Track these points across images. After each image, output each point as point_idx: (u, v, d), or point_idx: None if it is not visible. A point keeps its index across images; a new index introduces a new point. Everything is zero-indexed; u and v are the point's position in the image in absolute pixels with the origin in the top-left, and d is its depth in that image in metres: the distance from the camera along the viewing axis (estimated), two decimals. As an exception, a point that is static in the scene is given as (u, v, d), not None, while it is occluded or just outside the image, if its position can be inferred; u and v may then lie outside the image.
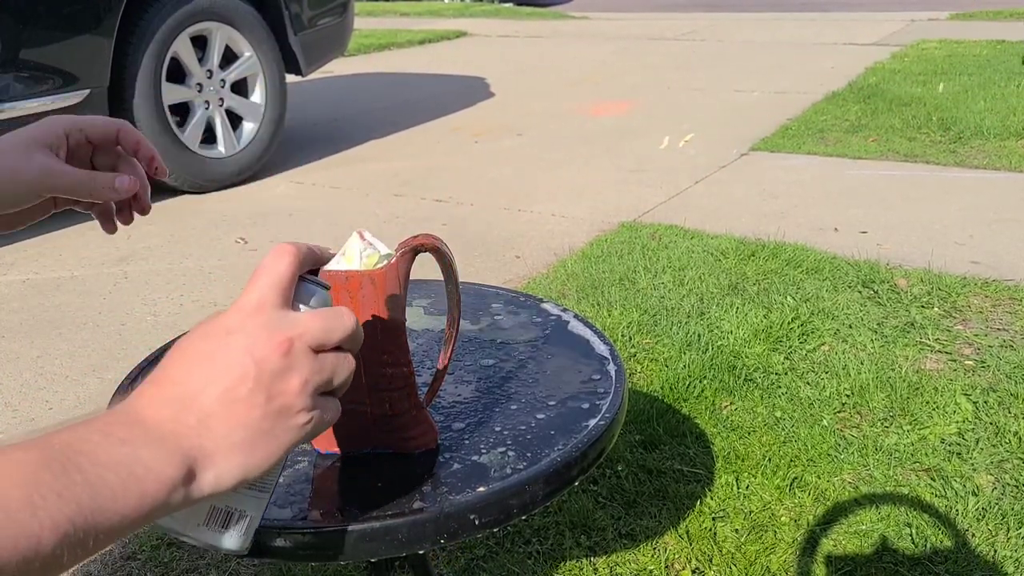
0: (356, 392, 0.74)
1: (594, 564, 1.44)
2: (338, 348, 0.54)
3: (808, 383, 1.95)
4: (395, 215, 3.26)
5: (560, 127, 4.68)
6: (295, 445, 0.52)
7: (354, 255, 0.71)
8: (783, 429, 1.78)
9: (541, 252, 2.83)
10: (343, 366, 0.54)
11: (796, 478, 1.63)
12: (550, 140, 4.39)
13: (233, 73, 3.59)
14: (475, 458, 0.76)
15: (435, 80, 6.47)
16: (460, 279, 0.77)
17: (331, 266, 0.71)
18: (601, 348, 0.95)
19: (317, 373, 0.52)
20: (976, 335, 2.15)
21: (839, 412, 1.84)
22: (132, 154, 0.77)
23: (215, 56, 3.52)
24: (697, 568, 1.43)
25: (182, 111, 3.47)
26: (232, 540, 0.56)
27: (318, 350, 0.53)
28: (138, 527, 0.45)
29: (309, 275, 0.57)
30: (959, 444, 1.71)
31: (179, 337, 0.54)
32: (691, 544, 1.48)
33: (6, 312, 2.49)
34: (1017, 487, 1.58)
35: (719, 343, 2.13)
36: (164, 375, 0.50)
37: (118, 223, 0.80)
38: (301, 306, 0.55)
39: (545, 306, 1.07)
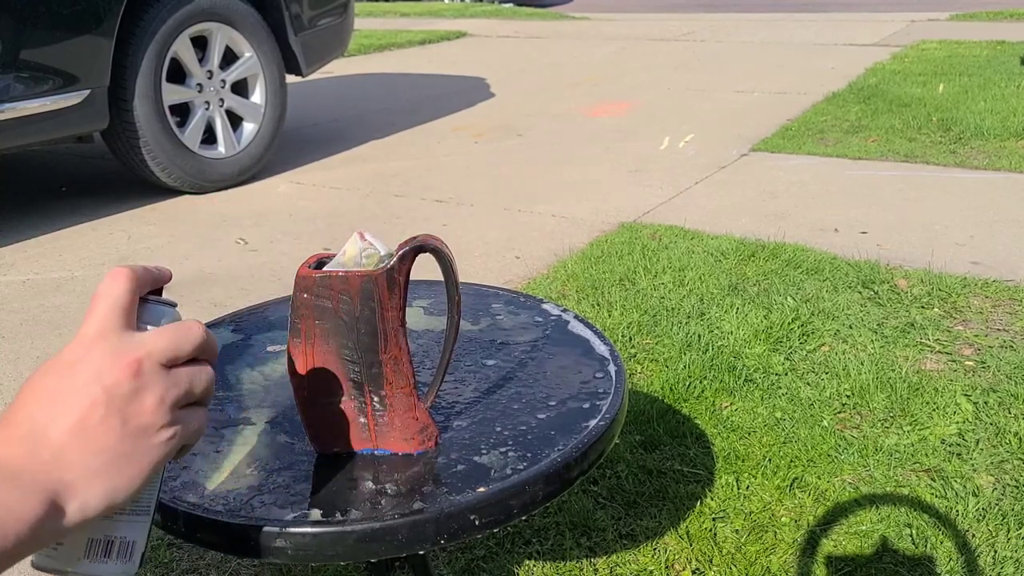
0: (356, 392, 0.74)
1: (594, 564, 1.44)
2: (193, 360, 0.54)
3: (808, 383, 1.95)
4: (395, 215, 3.26)
5: (560, 127, 4.68)
6: (163, 462, 0.52)
7: (354, 255, 0.71)
8: (783, 429, 1.78)
9: (541, 252, 2.83)
10: (199, 376, 0.54)
11: (796, 478, 1.63)
12: (550, 140, 4.39)
13: (233, 73, 3.59)
14: (475, 458, 0.76)
15: (435, 80, 6.47)
16: (460, 279, 0.77)
17: (331, 267, 0.71)
18: (601, 348, 0.95)
19: (173, 387, 0.52)
20: (976, 335, 2.15)
21: (839, 412, 1.84)
22: None
23: (215, 56, 3.52)
24: (697, 568, 1.43)
25: (182, 111, 3.47)
26: (117, 568, 0.55)
27: (171, 365, 0.52)
28: (8, 565, 0.45)
29: (152, 295, 0.56)
30: (959, 444, 1.71)
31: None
32: (691, 544, 1.48)
33: (6, 312, 2.49)
34: (1017, 488, 1.58)
35: (719, 343, 2.13)
36: (13, 416, 0.49)
37: None
38: (149, 327, 0.54)
39: (545, 306, 1.07)
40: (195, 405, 0.54)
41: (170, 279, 0.58)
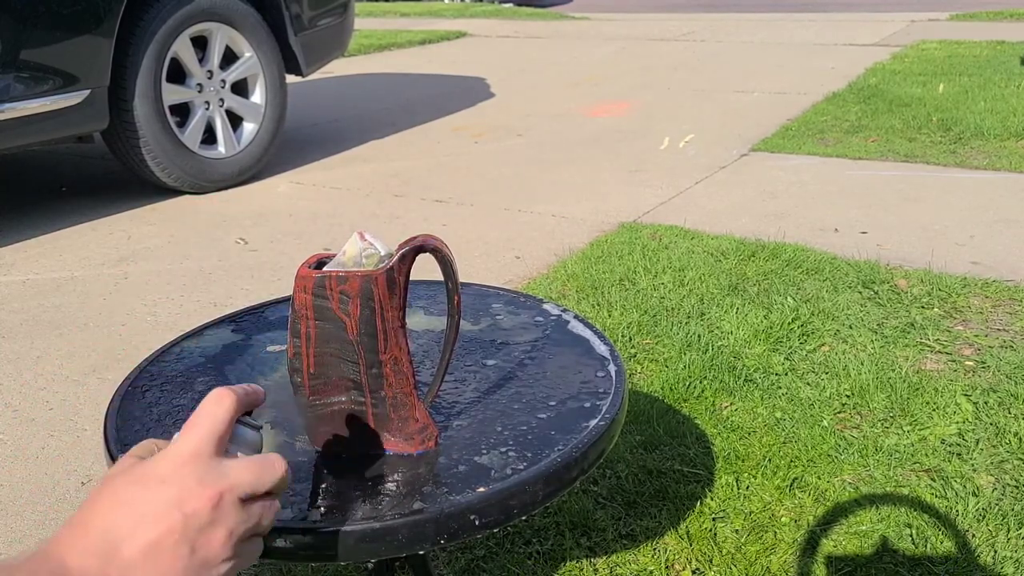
0: (356, 393, 0.74)
1: (594, 564, 1.44)
2: (267, 493, 0.55)
3: (808, 383, 1.95)
4: (395, 215, 3.26)
5: (560, 127, 4.68)
6: None
7: (354, 255, 0.71)
8: (783, 429, 1.78)
9: (541, 252, 2.83)
10: (269, 512, 0.56)
11: (796, 478, 1.63)
12: (550, 140, 4.39)
13: (233, 73, 3.59)
14: (475, 458, 0.76)
15: (435, 80, 6.47)
16: (460, 279, 0.77)
17: (331, 267, 0.71)
18: (601, 348, 0.95)
19: (243, 523, 0.53)
20: (976, 335, 2.15)
21: (839, 412, 1.84)
22: None
23: (215, 57, 3.52)
24: (697, 569, 1.43)
25: (182, 111, 3.47)
26: None
27: (247, 500, 0.54)
28: None
29: (244, 417, 0.58)
30: (959, 445, 1.71)
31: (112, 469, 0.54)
32: (691, 544, 1.48)
33: (6, 312, 2.49)
34: (1017, 488, 1.58)
35: (719, 343, 2.13)
36: (91, 519, 0.50)
37: None
38: (236, 450, 0.56)
39: (545, 306, 1.07)
40: (254, 536, 0.56)
41: (263, 401, 0.60)
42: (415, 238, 0.72)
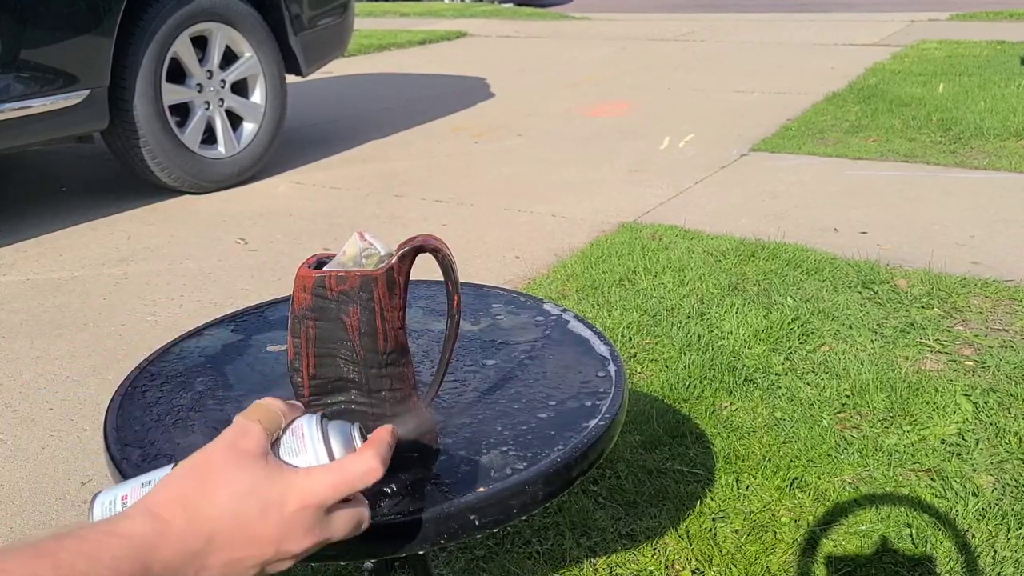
0: (357, 393, 0.74)
1: (594, 564, 1.44)
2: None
3: (808, 383, 1.95)
4: (395, 215, 3.26)
5: (560, 127, 4.68)
6: None
7: (354, 255, 0.71)
8: (783, 429, 1.78)
9: (541, 252, 2.83)
10: (352, 521, 0.59)
11: (796, 478, 1.63)
12: (550, 140, 4.39)
13: (233, 73, 3.59)
14: (475, 458, 0.76)
15: (435, 80, 6.47)
16: (460, 279, 0.77)
17: (331, 267, 0.71)
18: (601, 348, 0.95)
19: (323, 535, 0.57)
20: (976, 335, 2.15)
21: (839, 412, 1.84)
22: None
23: (215, 56, 3.52)
24: (697, 569, 1.43)
25: (182, 111, 3.47)
26: None
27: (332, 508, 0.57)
28: None
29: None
30: (959, 444, 1.71)
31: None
32: (691, 544, 1.48)
33: (6, 312, 2.49)
34: (1017, 487, 1.58)
35: (719, 343, 2.13)
36: (204, 513, 0.51)
37: None
38: (335, 442, 0.58)
39: (545, 306, 1.07)
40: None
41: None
42: (415, 238, 0.72)
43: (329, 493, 0.54)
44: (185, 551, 0.49)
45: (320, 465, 0.56)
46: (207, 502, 0.51)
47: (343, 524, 0.56)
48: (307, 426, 0.57)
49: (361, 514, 0.58)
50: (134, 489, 0.56)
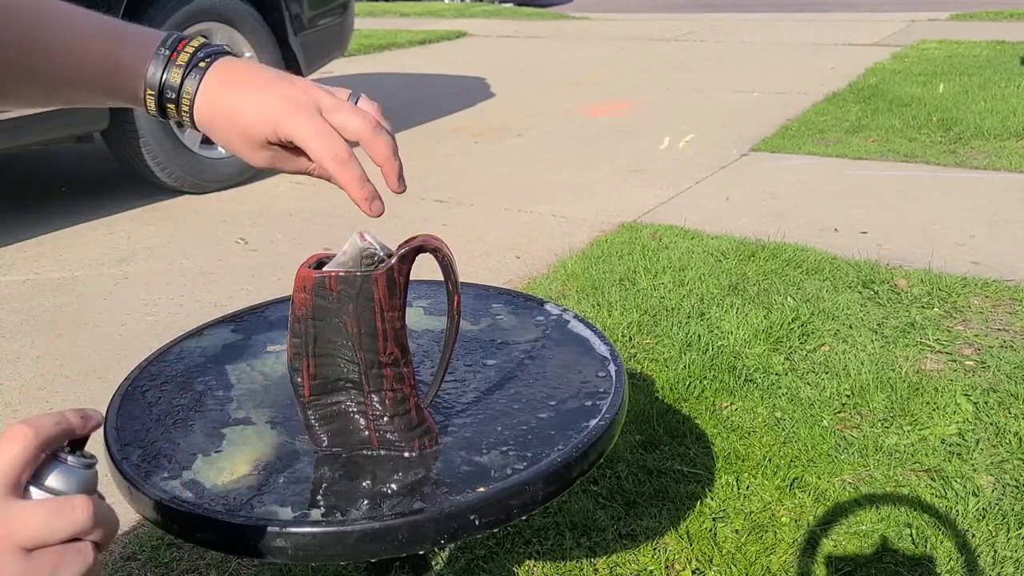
0: (356, 393, 0.74)
1: (594, 564, 1.44)
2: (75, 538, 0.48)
3: (808, 383, 1.95)
4: (395, 215, 3.26)
5: (560, 127, 4.68)
6: None
7: (354, 255, 0.71)
8: (783, 429, 1.78)
9: (541, 252, 2.83)
10: (69, 562, 0.47)
11: (796, 478, 1.63)
12: (550, 140, 4.39)
13: (233, 73, 3.59)
14: (475, 458, 0.76)
15: (435, 80, 6.47)
16: (460, 279, 0.77)
17: (331, 267, 0.71)
18: (601, 348, 0.95)
19: (27, 574, 0.46)
20: (976, 335, 2.15)
21: (839, 412, 1.84)
22: (378, 165, 0.75)
23: (215, 56, 3.51)
24: (697, 569, 1.43)
25: (182, 111, 3.47)
26: None
27: (35, 547, 0.46)
28: None
29: (68, 450, 0.50)
30: (959, 444, 1.71)
31: None
32: (691, 544, 1.47)
33: (6, 312, 2.49)
34: (1017, 487, 1.58)
35: (719, 343, 2.13)
36: None
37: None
38: (42, 493, 0.48)
39: (545, 306, 1.07)
40: None
41: (98, 427, 0.52)
42: (415, 238, 0.72)
43: None
44: None
45: None
46: None
47: (28, 509, 0.46)
48: None
49: (65, 502, 0.47)
50: None
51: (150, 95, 0.67)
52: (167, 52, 0.66)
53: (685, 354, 2.08)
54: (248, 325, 1.06)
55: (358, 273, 0.70)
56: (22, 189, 3.79)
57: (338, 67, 7.05)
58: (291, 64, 3.88)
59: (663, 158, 3.95)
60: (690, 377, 1.98)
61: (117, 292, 2.61)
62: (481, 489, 0.70)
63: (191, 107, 0.67)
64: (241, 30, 3.56)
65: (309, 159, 0.70)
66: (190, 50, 0.66)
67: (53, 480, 0.48)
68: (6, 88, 0.66)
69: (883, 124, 4.35)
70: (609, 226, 3.05)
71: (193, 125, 0.68)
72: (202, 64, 0.66)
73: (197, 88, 0.66)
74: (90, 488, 0.50)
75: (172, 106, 0.67)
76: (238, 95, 0.66)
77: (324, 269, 0.71)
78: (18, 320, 2.44)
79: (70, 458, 0.49)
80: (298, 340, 0.72)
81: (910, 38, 7.68)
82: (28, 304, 2.54)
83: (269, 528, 0.67)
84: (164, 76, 0.66)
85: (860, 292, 2.40)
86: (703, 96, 5.42)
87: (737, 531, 1.50)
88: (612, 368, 0.91)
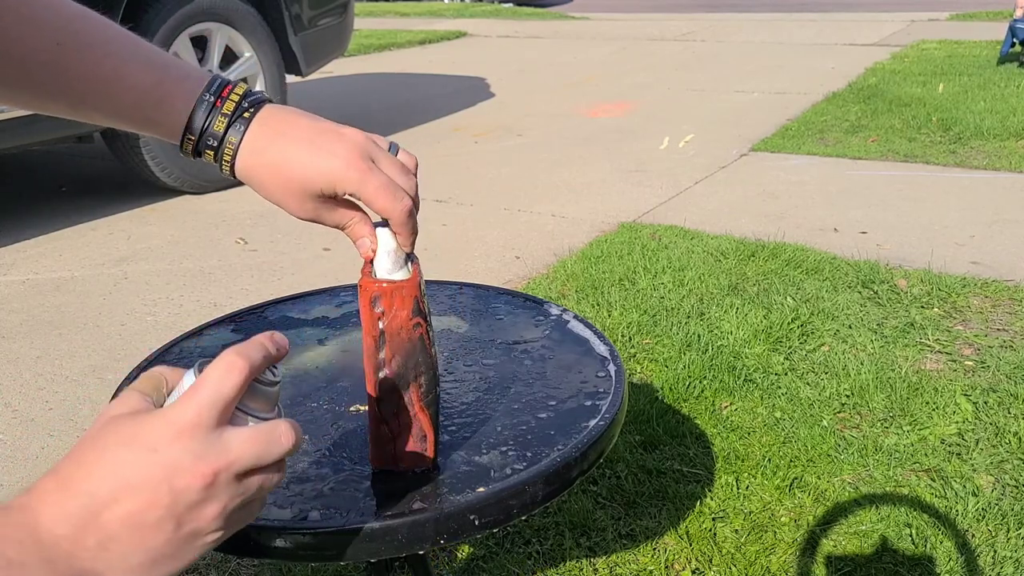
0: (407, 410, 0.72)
1: (594, 564, 1.44)
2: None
3: (808, 383, 1.95)
4: (395, 215, 3.26)
5: (560, 128, 4.68)
6: (195, 561, 0.51)
7: (396, 255, 0.67)
8: (783, 429, 1.78)
9: (541, 252, 2.83)
10: (269, 483, 0.52)
11: (796, 478, 1.63)
12: (550, 141, 4.39)
13: (233, 73, 3.59)
14: (475, 458, 0.76)
15: (435, 80, 6.47)
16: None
17: (381, 270, 0.67)
18: (601, 348, 0.95)
19: (239, 497, 0.50)
20: (976, 335, 2.15)
21: (839, 412, 1.84)
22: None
23: (215, 56, 3.52)
24: (697, 568, 1.43)
25: (182, 111, 3.47)
26: None
27: (246, 473, 0.50)
28: None
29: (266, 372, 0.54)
30: (959, 444, 1.71)
31: (105, 413, 0.51)
32: (691, 544, 1.48)
33: (6, 312, 2.49)
34: (1017, 487, 1.58)
35: (719, 343, 2.13)
36: (74, 477, 0.48)
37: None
38: (245, 406, 0.52)
39: (545, 306, 1.07)
40: (251, 502, 0.53)
41: (287, 352, 0.55)
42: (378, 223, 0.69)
43: (193, 407, 0.49)
44: (64, 514, 0.46)
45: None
46: (75, 465, 0.48)
47: (244, 442, 0.50)
48: (187, 376, 0.53)
49: (272, 429, 0.51)
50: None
51: (189, 139, 0.67)
52: (212, 98, 0.66)
53: (685, 354, 2.08)
54: (248, 325, 1.06)
55: (410, 282, 0.67)
56: (22, 189, 3.79)
57: (338, 67, 7.05)
58: (291, 64, 3.89)
59: (663, 158, 3.95)
60: (690, 377, 1.98)
61: (117, 292, 2.61)
62: (481, 489, 0.70)
63: (233, 158, 0.66)
64: (241, 30, 3.56)
65: (351, 212, 0.69)
66: (235, 98, 0.66)
67: (254, 402, 0.53)
68: (32, 105, 0.67)
69: (883, 124, 4.35)
70: (609, 226, 3.05)
71: (232, 174, 0.67)
72: (246, 115, 0.66)
73: (241, 140, 0.66)
74: (278, 402, 0.55)
75: (211, 152, 0.67)
76: (288, 148, 0.66)
77: (376, 277, 0.68)
78: (18, 320, 2.44)
79: (266, 377, 0.53)
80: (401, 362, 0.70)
81: (910, 38, 7.68)
82: (28, 304, 2.54)
83: (269, 528, 0.67)
84: (208, 124, 0.66)
85: (860, 292, 2.40)
86: (703, 96, 5.42)
87: (737, 531, 1.50)
88: (612, 368, 0.91)
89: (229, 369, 0.50)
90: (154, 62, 0.68)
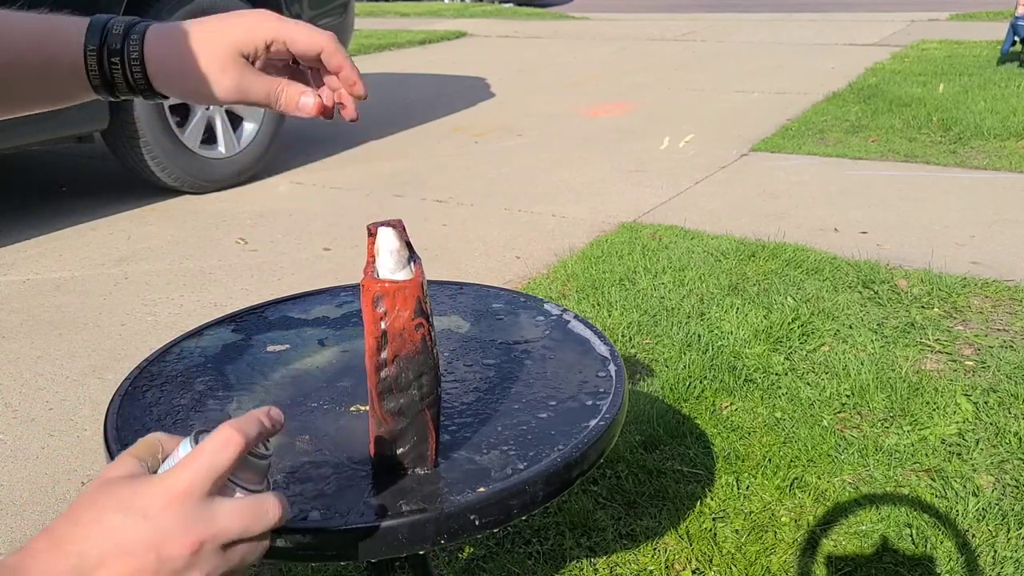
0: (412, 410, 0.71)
1: (594, 564, 1.44)
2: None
3: (808, 383, 1.95)
4: (395, 215, 3.25)
5: (560, 128, 4.68)
6: None
7: (399, 255, 0.67)
8: (783, 429, 1.78)
9: (541, 252, 2.83)
10: (251, 555, 0.53)
11: (796, 478, 1.63)
12: (550, 140, 4.39)
13: (233, 73, 3.59)
14: (475, 458, 0.76)
15: (435, 80, 6.47)
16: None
17: (384, 271, 0.67)
18: (601, 348, 0.95)
19: (221, 567, 0.51)
20: (976, 335, 2.14)
21: (839, 412, 1.84)
22: (335, 74, 0.71)
23: (215, 56, 3.51)
24: (697, 569, 1.43)
25: (182, 111, 3.47)
26: None
27: (232, 544, 0.52)
28: None
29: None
30: (959, 444, 1.71)
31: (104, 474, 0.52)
32: (691, 544, 1.47)
33: (6, 312, 2.49)
34: (1017, 487, 1.58)
35: (719, 343, 2.13)
36: (68, 538, 0.49)
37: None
38: (232, 484, 0.53)
39: (545, 306, 1.07)
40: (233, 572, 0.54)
41: (282, 426, 0.57)
42: (380, 224, 0.68)
43: (187, 478, 0.50)
44: (53, 574, 0.48)
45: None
46: (70, 525, 0.50)
47: (232, 513, 0.51)
48: (183, 444, 0.54)
49: (260, 503, 0.53)
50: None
51: (91, 52, 0.64)
52: (104, 18, 0.66)
53: (685, 354, 2.08)
54: (248, 325, 1.06)
55: (414, 282, 0.67)
56: (22, 189, 3.79)
57: (338, 67, 7.04)
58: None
59: (663, 158, 3.95)
60: (690, 377, 1.98)
61: (117, 292, 2.61)
62: (481, 489, 0.70)
63: (141, 55, 0.64)
64: (241, 30, 3.56)
65: (275, 78, 0.68)
66: (124, 18, 0.66)
67: (245, 473, 0.54)
68: None
69: (883, 124, 4.35)
70: (609, 226, 3.05)
71: (144, 77, 0.65)
72: (139, 26, 0.65)
73: (144, 35, 0.64)
74: (268, 475, 0.56)
75: (116, 60, 0.64)
76: (193, 28, 0.65)
77: (381, 277, 0.67)
78: (18, 320, 2.44)
79: (258, 450, 0.55)
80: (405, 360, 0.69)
81: (910, 38, 7.68)
82: (28, 304, 2.54)
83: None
84: (106, 33, 0.64)
85: (860, 292, 2.40)
86: (703, 96, 5.42)
87: (737, 531, 1.50)
88: (612, 368, 0.91)
89: (226, 444, 0.52)
90: (35, 13, 0.67)
